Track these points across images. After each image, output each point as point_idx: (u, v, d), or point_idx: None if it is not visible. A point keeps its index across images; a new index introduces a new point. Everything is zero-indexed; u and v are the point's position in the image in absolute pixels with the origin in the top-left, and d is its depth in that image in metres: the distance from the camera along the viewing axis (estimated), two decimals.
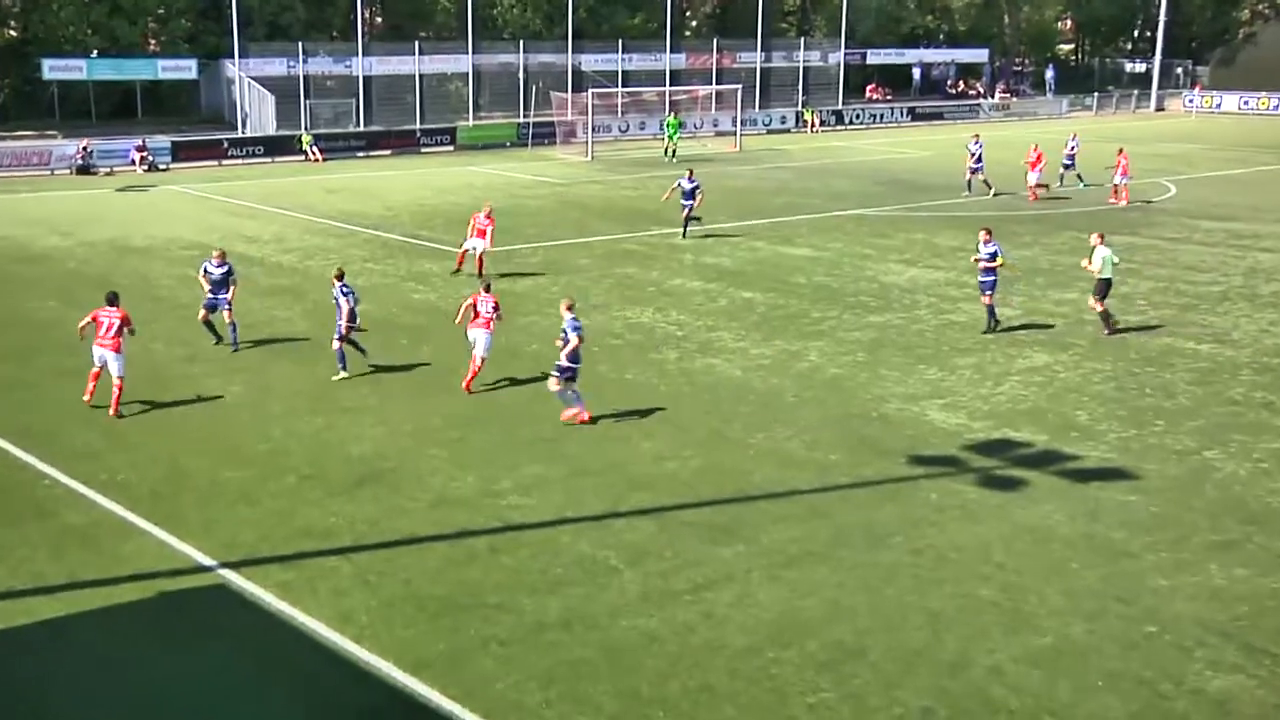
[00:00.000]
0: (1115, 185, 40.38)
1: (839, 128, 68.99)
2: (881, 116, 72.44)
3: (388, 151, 54.84)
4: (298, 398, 19.79)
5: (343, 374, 20.51)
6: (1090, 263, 23.58)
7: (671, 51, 68.56)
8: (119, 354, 18.54)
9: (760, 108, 68.99)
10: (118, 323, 18.55)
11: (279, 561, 14.03)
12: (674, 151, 51.70)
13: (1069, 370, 21.71)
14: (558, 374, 18.26)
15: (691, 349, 22.94)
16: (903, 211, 39.10)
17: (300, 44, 58.05)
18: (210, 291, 22.16)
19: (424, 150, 55.79)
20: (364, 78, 58.76)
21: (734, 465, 17.04)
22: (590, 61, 66.35)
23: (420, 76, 60.30)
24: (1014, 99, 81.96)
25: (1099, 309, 23.67)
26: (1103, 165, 43.35)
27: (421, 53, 60.73)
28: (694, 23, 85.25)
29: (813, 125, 67.06)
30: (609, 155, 54.47)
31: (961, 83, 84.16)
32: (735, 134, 58.43)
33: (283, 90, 56.06)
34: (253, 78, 55.91)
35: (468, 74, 61.92)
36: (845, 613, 13.03)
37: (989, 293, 23.82)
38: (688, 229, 33.43)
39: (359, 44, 59.44)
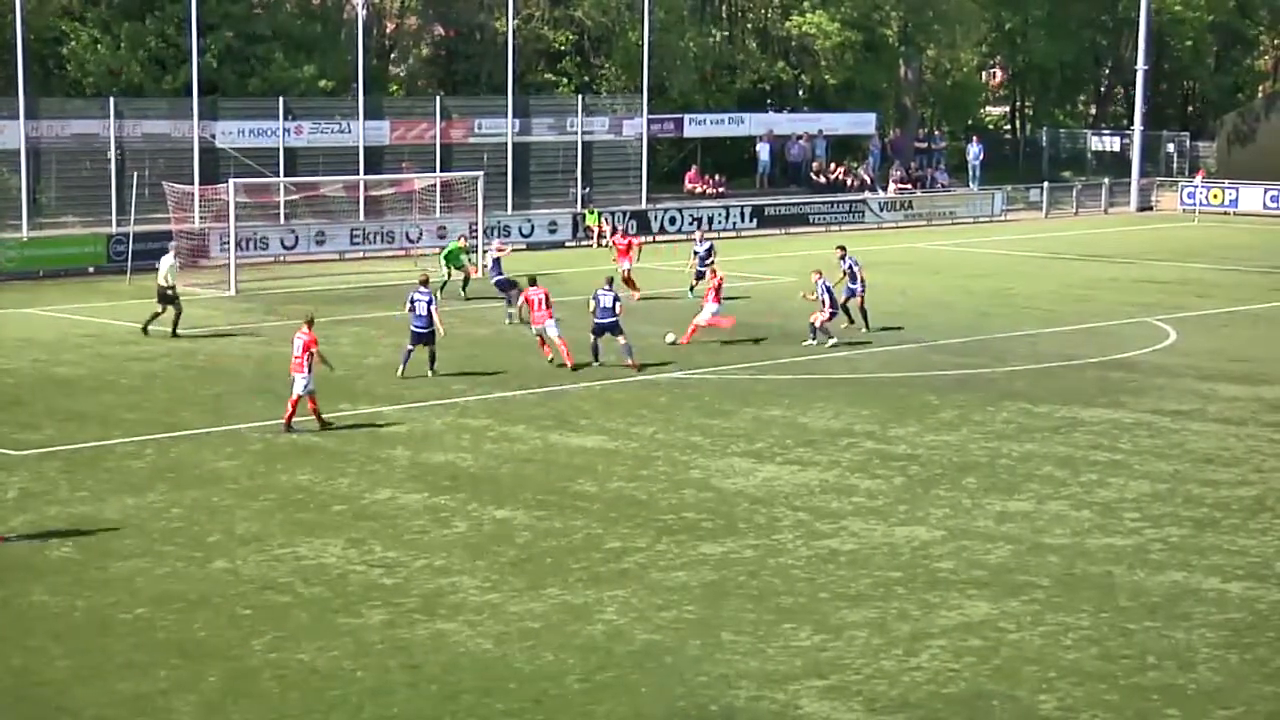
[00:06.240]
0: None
1: (643, 238, 70.13)
2: (711, 220, 74.21)
3: None
4: None
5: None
6: None
7: (369, 117, 68.97)
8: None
9: (515, 208, 70.11)
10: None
11: None
12: (465, 280, 52.18)
13: (1025, 628, 22.12)
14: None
15: (409, 606, 22.73)
16: (749, 374, 39.90)
17: None
18: None
19: None
20: None
21: None
22: (231, 134, 66.36)
23: None
24: (918, 191, 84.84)
25: None
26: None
27: None
28: (402, 71, 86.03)
29: (600, 234, 68.11)
30: (265, 288, 54.44)
31: (835, 167, 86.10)
32: (475, 250, 58.97)
33: None
34: None
35: (19, 152, 61.06)
36: None
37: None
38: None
39: None
